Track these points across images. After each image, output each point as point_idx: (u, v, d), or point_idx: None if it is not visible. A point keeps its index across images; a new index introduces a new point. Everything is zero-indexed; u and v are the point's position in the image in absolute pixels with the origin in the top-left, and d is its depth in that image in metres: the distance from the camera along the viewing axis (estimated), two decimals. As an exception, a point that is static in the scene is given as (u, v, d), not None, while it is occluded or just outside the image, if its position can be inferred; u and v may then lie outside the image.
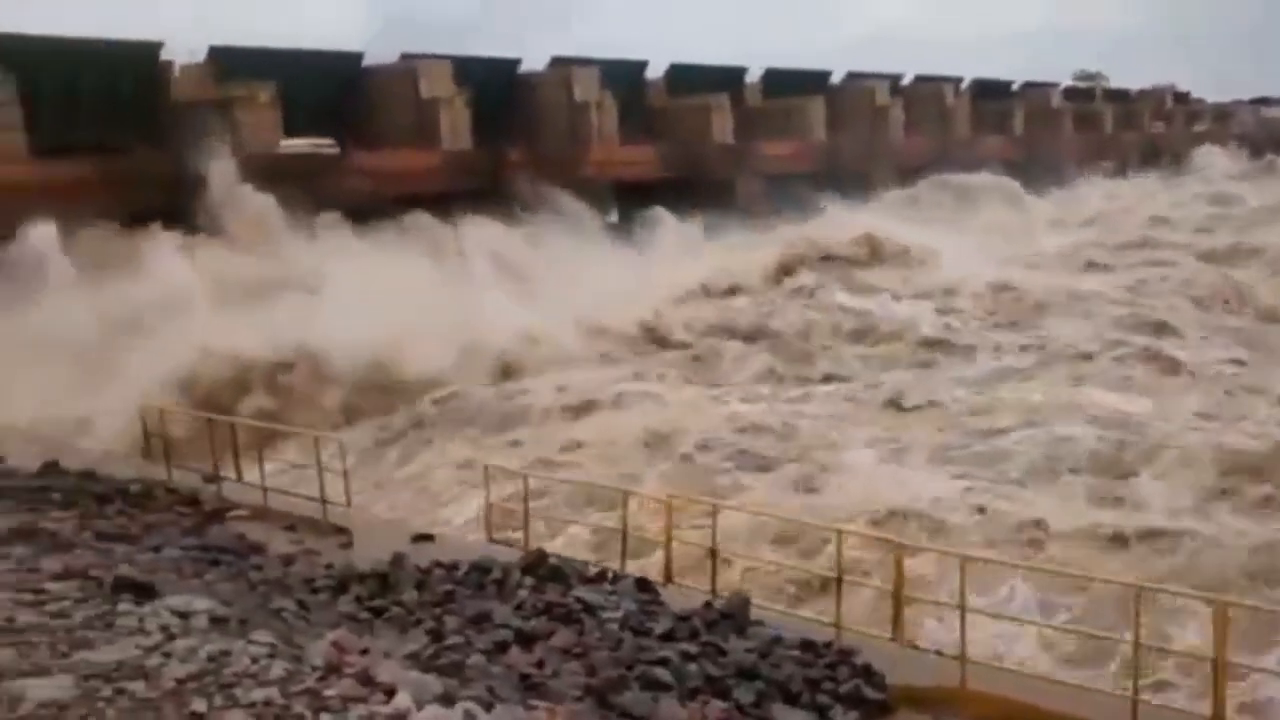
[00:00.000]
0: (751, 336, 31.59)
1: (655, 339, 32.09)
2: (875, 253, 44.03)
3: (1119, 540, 15.39)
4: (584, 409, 23.73)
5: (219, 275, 30.36)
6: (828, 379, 26.80)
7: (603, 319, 32.03)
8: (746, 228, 46.52)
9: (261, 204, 34.51)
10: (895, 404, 23.55)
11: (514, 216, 40.99)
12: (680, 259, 41.52)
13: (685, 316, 34.19)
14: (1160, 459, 18.63)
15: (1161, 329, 29.80)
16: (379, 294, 27.33)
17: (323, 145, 42.68)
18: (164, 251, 30.97)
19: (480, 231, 37.80)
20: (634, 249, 42.49)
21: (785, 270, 41.33)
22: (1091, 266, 43.07)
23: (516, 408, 24.13)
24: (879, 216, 49.27)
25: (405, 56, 47.15)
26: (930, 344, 29.90)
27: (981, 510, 16.50)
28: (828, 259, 42.74)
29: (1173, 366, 25.81)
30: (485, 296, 30.91)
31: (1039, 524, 15.86)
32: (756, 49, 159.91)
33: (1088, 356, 27.15)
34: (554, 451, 20.96)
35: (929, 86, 69.61)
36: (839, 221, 46.90)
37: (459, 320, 28.20)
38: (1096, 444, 19.40)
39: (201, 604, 8.20)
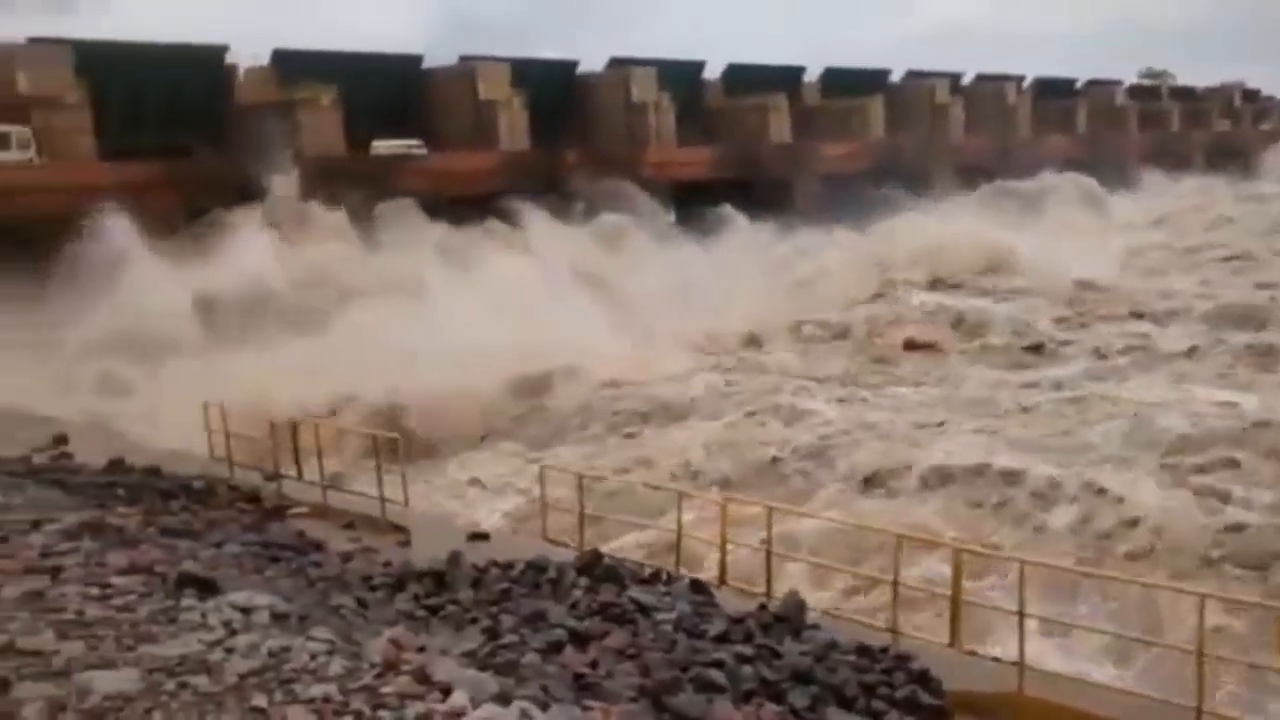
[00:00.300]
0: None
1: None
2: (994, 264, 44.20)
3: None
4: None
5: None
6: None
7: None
8: (808, 228, 46.27)
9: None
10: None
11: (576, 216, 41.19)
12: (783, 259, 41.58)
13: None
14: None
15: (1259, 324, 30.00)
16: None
17: (413, 146, 43.66)
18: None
19: (553, 236, 38.01)
20: (704, 248, 42.41)
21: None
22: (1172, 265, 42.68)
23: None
24: (959, 219, 48.86)
25: (464, 59, 47.55)
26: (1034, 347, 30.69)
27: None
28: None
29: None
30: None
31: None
32: (817, 48, 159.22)
33: (1189, 353, 27.46)
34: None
35: (990, 85, 68.85)
36: (919, 226, 46.67)
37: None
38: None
39: (262, 600, 8.31)
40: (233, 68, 42.30)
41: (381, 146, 42.15)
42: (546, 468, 14.32)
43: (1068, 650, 11.97)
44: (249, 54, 43.03)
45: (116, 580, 8.62)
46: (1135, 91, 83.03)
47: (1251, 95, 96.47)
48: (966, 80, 68.67)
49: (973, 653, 10.10)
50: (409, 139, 43.08)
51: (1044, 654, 10.98)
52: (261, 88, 42.19)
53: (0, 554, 9.12)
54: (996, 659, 9.85)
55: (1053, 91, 73.81)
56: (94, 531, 10.31)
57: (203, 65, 40.85)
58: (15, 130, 34.19)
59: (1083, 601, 13.50)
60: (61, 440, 16.62)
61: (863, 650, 9.44)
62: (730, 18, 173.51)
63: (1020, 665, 9.17)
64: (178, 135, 38.54)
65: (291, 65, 42.38)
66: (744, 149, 51.84)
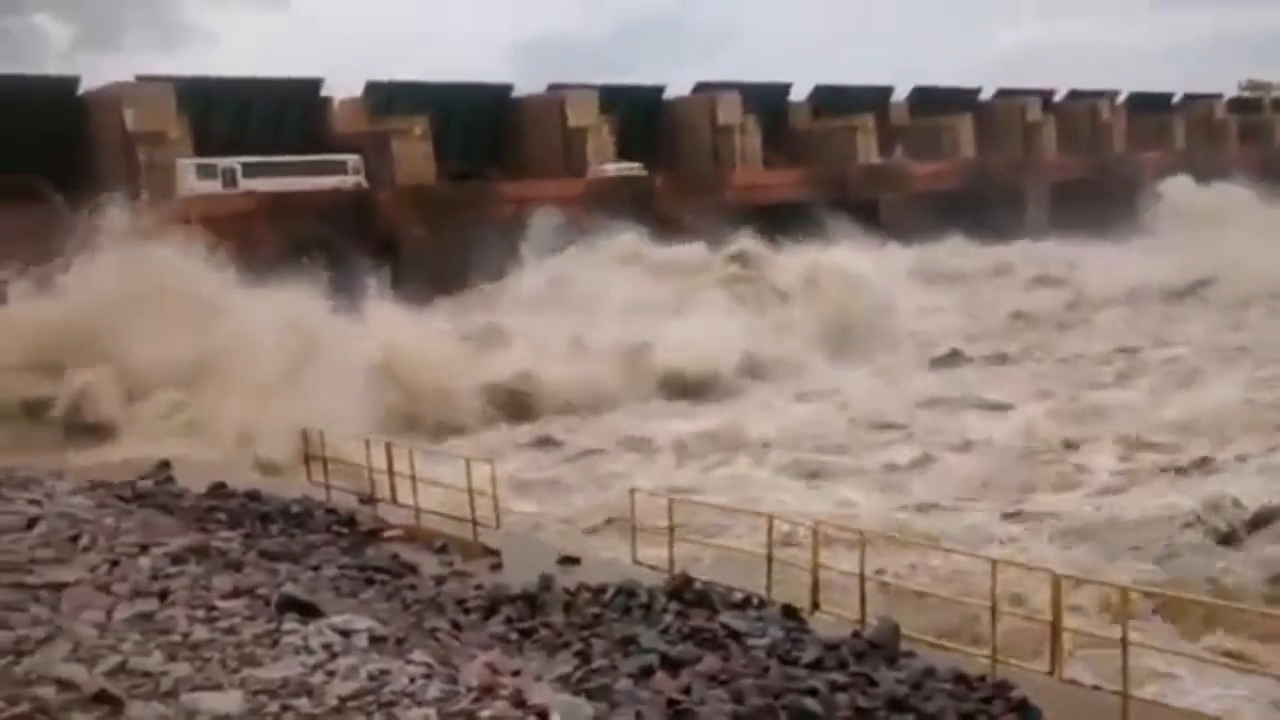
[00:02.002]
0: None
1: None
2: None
3: None
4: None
5: None
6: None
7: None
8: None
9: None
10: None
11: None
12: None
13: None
14: None
15: None
16: None
17: (634, 168, 46.52)
18: None
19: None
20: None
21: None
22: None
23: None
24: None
25: (552, 87, 48.14)
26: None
27: None
28: None
29: None
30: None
31: None
32: (906, 70, 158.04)
33: None
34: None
35: (1082, 102, 67.66)
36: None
37: None
38: None
39: (361, 623, 8.46)
40: (328, 100, 43.40)
41: (611, 169, 45.36)
42: (636, 491, 14.32)
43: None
44: (344, 86, 44.17)
45: (221, 603, 8.84)
46: (1235, 104, 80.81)
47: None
48: (1058, 97, 67.56)
49: (1073, 682, 9.85)
50: (498, 164, 44.04)
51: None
52: (355, 118, 43.21)
53: (112, 577, 9.42)
54: (1098, 688, 9.59)
55: (1148, 106, 72.22)
56: (199, 555, 10.59)
57: (299, 97, 41.99)
58: (351, 159, 39.75)
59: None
60: (165, 465, 17.12)
61: (960, 678, 9.27)
62: (818, 42, 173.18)
63: (1124, 695, 8.93)
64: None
65: (384, 96, 43.37)
66: (831, 169, 51.60)
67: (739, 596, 11.28)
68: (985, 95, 64.88)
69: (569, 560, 12.96)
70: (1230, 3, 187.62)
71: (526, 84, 49.32)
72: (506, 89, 48.65)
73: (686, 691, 8.50)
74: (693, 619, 10.26)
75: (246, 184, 36.85)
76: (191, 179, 36.77)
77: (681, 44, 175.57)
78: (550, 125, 46.56)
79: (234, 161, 37.45)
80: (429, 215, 37.63)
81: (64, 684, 6.77)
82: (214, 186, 36.80)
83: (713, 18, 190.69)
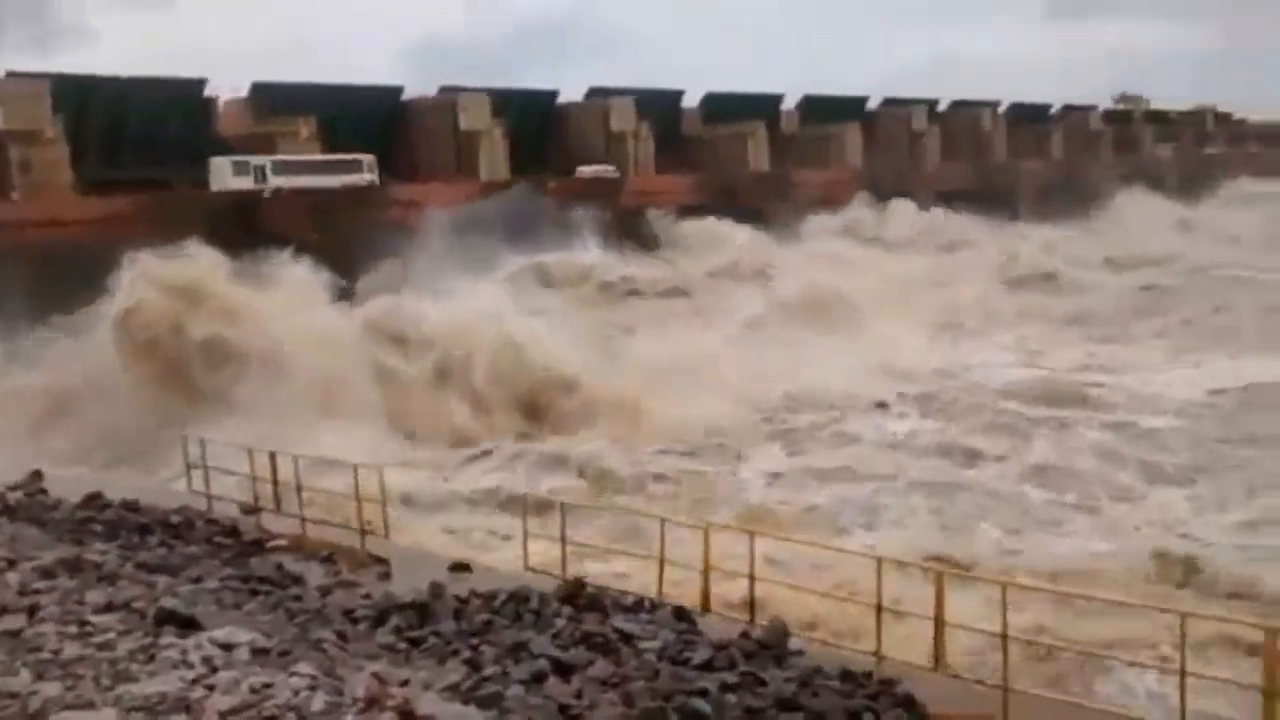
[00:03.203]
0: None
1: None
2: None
3: None
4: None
5: None
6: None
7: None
8: None
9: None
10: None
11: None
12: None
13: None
14: None
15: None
16: None
17: (607, 171, 49.12)
18: None
19: None
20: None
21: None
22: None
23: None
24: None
25: (444, 89, 47.71)
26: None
27: None
28: None
29: None
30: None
31: None
32: (799, 83, 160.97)
33: None
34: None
35: (965, 112, 69.47)
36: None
37: None
38: None
39: (243, 636, 8.26)
40: (212, 100, 42.36)
41: (586, 171, 47.88)
42: (531, 497, 14.26)
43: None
44: (229, 87, 43.16)
45: (95, 618, 8.56)
46: (1109, 116, 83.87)
47: (1224, 118, 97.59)
48: (942, 107, 69.28)
49: (956, 676, 10.08)
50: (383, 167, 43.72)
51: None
52: (241, 120, 42.25)
53: (-24, 593, 9.05)
54: (981, 682, 9.82)
55: (1028, 117, 74.52)
56: (71, 569, 10.22)
57: (182, 98, 40.89)
58: (366, 159, 41.69)
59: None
60: (37, 475, 16.48)
61: (847, 676, 9.40)
62: (711, 53, 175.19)
63: (1005, 688, 9.16)
64: (157, 168, 38.56)
65: (271, 97, 42.47)
66: (723, 176, 52.11)
67: (631, 600, 11.29)
68: (872, 105, 66.19)
69: (460, 567, 12.82)
70: (1117, 19, 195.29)
71: (419, 88, 48.88)
72: (397, 91, 48.04)
73: (578, 696, 8.48)
74: (585, 623, 10.23)
75: (275, 180, 38.93)
76: (228, 175, 38.69)
77: (576, 49, 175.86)
78: (442, 129, 46.13)
79: (265, 160, 39.35)
80: (317, 219, 36.87)
81: (-78, 707, 6.48)
82: (246, 183, 38.63)
83: (610, 22, 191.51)
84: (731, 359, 30.68)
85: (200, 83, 41.67)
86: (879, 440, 24.90)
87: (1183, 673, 8.64)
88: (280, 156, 40.07)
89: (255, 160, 39.24)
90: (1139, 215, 65.50)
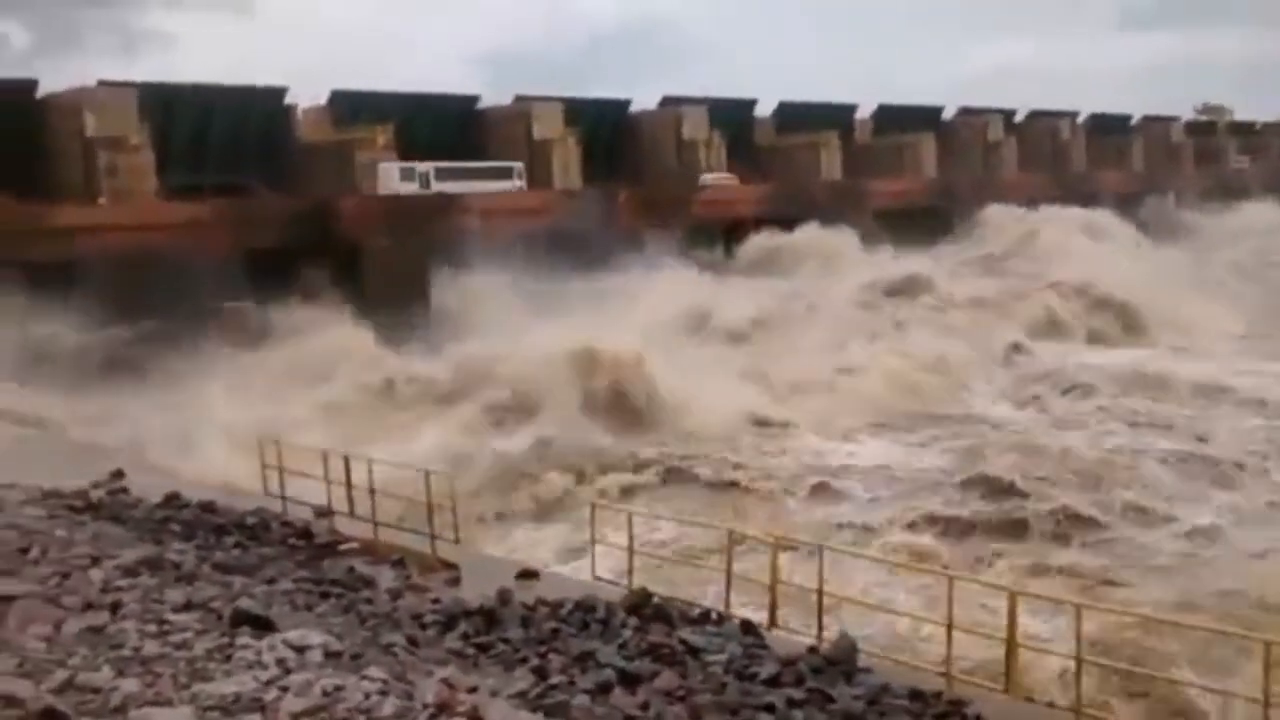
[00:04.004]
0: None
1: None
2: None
3: None
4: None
5: None
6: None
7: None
8: None
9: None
10: None
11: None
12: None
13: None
14: None
15: None
16: None
17: (724, 178, 50.52)
18: None
19: None
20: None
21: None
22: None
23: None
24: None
25: (519, 99, 48.10)
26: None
27: None
28: None
29: None
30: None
31: None
32: (873, 91, 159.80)
33: None
34: None
35: (1043, 121, 68.47)
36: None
37: None
38: None
39: (316, 638, 8.37)
40: (292, 108, 43.15)
41: (710, 178, 49.79)
42: (599, 506, 14.29)
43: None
44: (308, 95, 43.93)
45: (173, 617, 8.73)
46: (1191, 127, 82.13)
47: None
48: (1020, 117, 68.32)
49: (1029, 699, 9.93)
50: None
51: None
52: (319, 127, 42.98)
53: (62, 590, 9.27)
54: (1052, 704, 9.66)
55: (1107, 128, 73.23)
56: (152, 567, 10.44)
57: (263, 106, 41.72)
58: (515, 165, 43.88)
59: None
60: (119, 475, 16.87)
61: (915, 695, 9.29)
62: (790, 59, 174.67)
63: (1078, 710, 9.01)
64: (238, 174, 39.41)
65: (349, 105, 43.17)
66: (795, 186, 51.87)
67: (697, 612, 11.27)
68: (948, 114, 65.48)
69: (528, 574, 12.89)
70: (1194, 27, 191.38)
71: (493, 96, 49.32)
72: (472, 100, 48.54)
73: (644, 707, 8.48)
74: (651, 634, 10.23)
75: (436, 185, 40.94)
76: (395, 181, 40.13)
77: (650, 59, 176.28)
78: (515, 137, 46.50)
79: (429, 166, 41.31)
80: (395, 225, 37.37)
81: (9, 700, 6.65)
82: (413, 188, 40.44)
83: (683, 32, 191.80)
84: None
85: (280, 91, 42.47)
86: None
87: (1265, 702, 8.42)
88: (440, 163, 41.81)
89: (420, 167, 41.17)
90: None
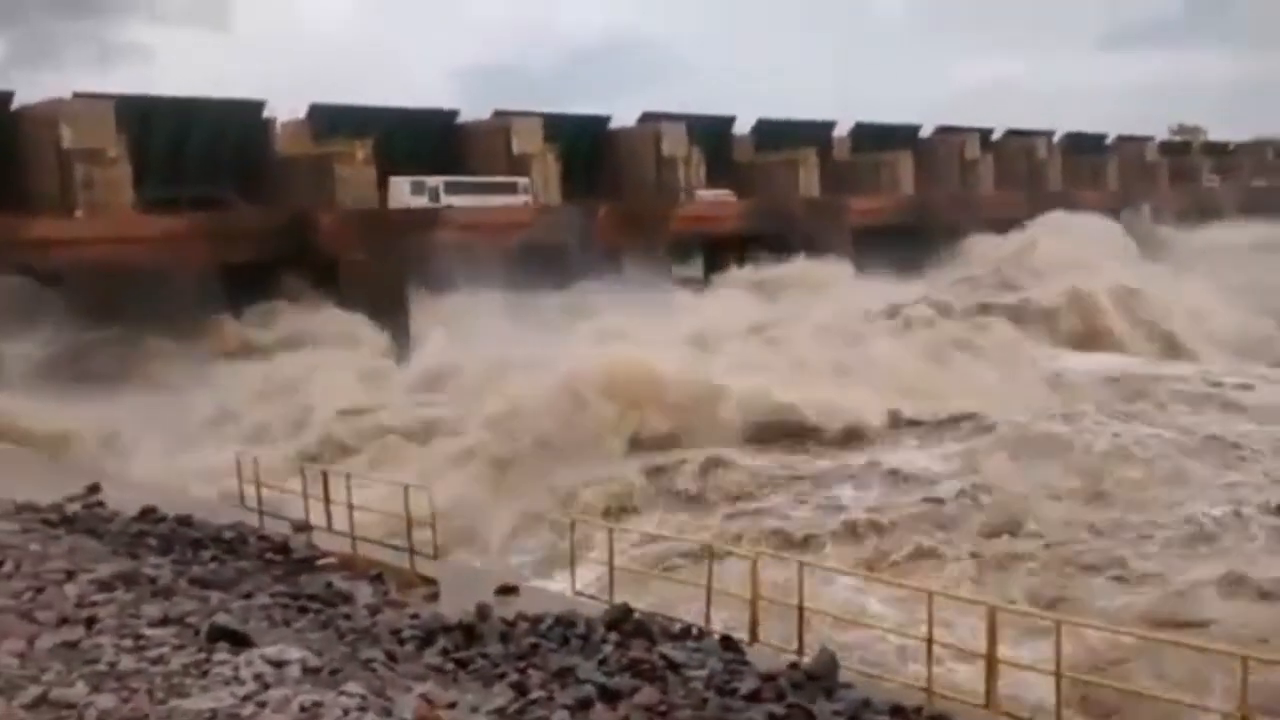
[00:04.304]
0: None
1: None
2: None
3: None
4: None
5: None
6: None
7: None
8: None
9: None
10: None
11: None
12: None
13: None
14: None
15: None
16: None
17: (727, 195, 51.75)
18: None
19: None
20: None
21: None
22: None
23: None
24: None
25: (498, 113, 48.10)
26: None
27: None
28: None
29: None
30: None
31: None
32: (850, 110, 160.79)
33: None
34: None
35: (1019, 140, 68.98)
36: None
37: None
38: None
39: (294, 653, 8.31)
40: (270, 121, 42.99)
41: (708, 194, 50.93)
42: (579, 520, 14.26)
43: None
44: (287, 109, 43.78)
45: (150, 632, 8.66)
46: (1166, 147, 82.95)
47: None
48: (996, 136, 68.83)
49: (1009, 714, 9.94)
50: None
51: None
52: (298, 141, 42.84)
53: (36, 604, 9.18)
54: (1032, 720, 9.68)
55: (1083, 147, 73.87)
56: (128, 582, 10.36)
57: (240, 118, 41.56)
58: (521, 180, 45.13)
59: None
60: (94, 489, 16.74)
61: (896, 711, 9.30)
62: (768, 76, 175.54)
63: (1057, 729, 9.03)
64: (215, 187, 39.22)
65: (328, 119, 43.05)
66: (774, 202, 52.06)
67: (678, 627, 11.25)
68: (925, 132, 65.91)
69: (507, 590, 12.85)
70: (1176, 48, 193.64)
71: (475, 111, 49.28)
72: (452, 114, 48.49)
73: (624, 723, 8.45)
74: (631, 650, 10.21)
75: (446, 199, 42.01)
76: (406, 195, 41.45)
77: (631, 75, 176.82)
78: (495, 152, 46.48)
79: (439, 180, 42.60)
80: (367, 238, 37.29)
81: (-18, 716, 6.57)
82: (422, 201, 41.32)
83: (662, 48, 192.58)
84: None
85: (259, 104, 42.29)
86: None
87: (1243, 718, 8.46)
88: (449, 178, 42.97)
89: (430, 181, 42.28)
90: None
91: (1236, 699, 8.58)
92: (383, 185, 41.24)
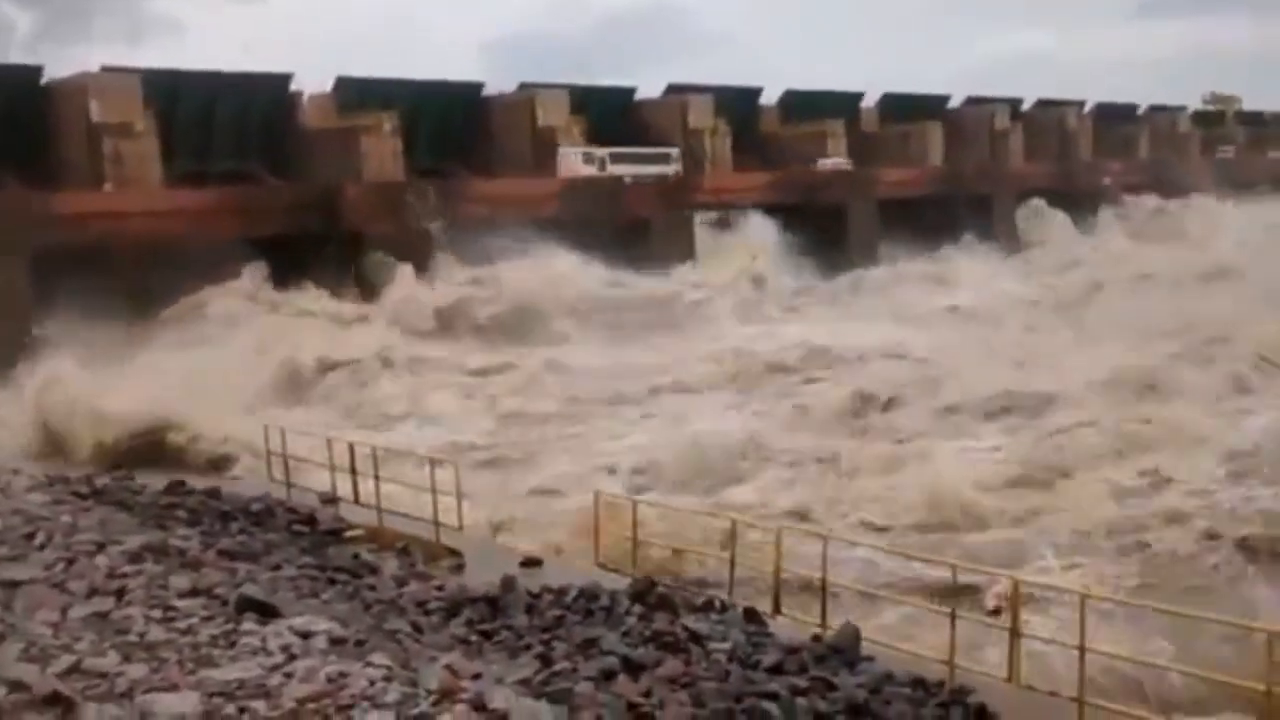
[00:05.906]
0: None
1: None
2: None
3: None
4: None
5: None
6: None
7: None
8: None
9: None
10: None
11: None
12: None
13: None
14: None
15: None
16: None
17: (843, 164, 52.95)
18: None
19: None
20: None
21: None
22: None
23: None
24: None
25: (523, 86, 47.95)
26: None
27: None
28: None
29: None
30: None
31: None
32: (879, 80, 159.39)
33: None
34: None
35: (1050, 111, 68.17)
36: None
37: None
38: None
39: (320, 624, 8.41)
40: (297, 94, 43.03)
41: (828, 164, 52.28)
42: (600, 493, 14.28)
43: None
44: (314, 81, 43.79)
45: (179, 603, 8.77)
46: (1199, 117, 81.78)
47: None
48: (1026, 106, 68.08)
49: (1030, 688, 9.93)
50: (463, 163, 44.40)
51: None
52: (324, 114, 42.87)
53: (68, 575, 9.31)
54: (1054, 694, 9.67)
55: (1114, 117, 72.95)
56: (157, 553, 10.49)
57: (267, 91, 41.65)
58: (673, 151, 48.00)
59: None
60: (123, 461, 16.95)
61: (918, 683, 9.33)
62: (796, 47, 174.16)
63: (1080, 701, 9.02)
64: (242, 161, 39.39)
65: (354, 92, 43.05)
66: (800, 174, 51.72)
67: (701, 600, 11.31)
68: (954, 103, 65.25)
69: (531, 562, 12.94)
70: (1203, 15, 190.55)
71: (499, 83, 49.14)
72: (477, 87, 48.36)
73: (647, 694, 8.50)
74: (655, 622, 10.27)
75: (612, 168, 44.52)
76: (579, 164, 44.40)
77: (655, 46, 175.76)
78: (520, 125, 46.38)
79: (605, 151, 45.28)
80: (393, 211, 37.32)
81: (15, 685, 6.69)
82: (592, 170, 44.28)
83: (691, 19, 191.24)
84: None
85: (286, 77, 42.33)
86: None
87: (1268, 693, 8.43)
88: (614, 149, 45.26)
89: (598, 152, 45.14)
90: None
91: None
92: (409, 154, 41.21)
